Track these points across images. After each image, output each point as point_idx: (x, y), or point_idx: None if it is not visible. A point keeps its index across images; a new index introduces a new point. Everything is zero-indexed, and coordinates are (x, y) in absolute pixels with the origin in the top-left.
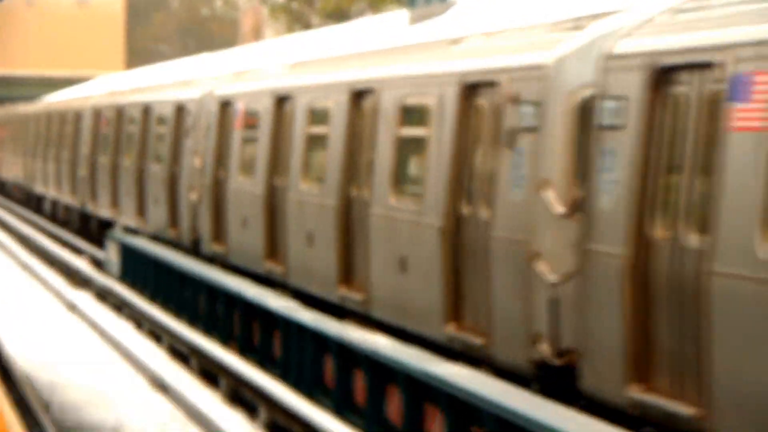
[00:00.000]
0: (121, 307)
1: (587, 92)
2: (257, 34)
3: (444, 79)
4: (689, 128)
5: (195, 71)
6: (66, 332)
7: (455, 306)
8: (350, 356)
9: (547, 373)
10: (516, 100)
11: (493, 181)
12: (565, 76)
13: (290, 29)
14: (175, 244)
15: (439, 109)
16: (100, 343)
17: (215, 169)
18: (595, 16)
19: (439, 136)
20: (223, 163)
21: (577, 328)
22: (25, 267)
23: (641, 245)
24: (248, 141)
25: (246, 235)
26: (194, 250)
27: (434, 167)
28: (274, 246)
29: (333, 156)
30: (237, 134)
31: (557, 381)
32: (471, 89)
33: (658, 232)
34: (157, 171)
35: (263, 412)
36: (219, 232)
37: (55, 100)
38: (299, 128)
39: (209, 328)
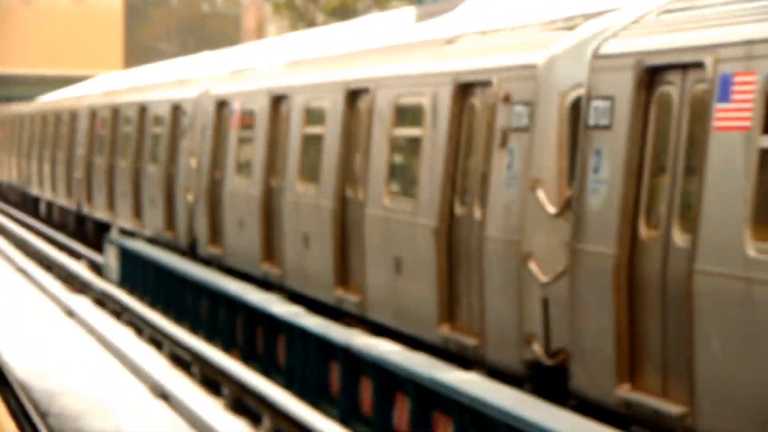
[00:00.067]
0: (120, 312)
1: (578, 92)
2: (260, 32)
3: (438, 79)
4: (676, 128)
5: (192, 70)
6: (64, 339)
7: (450, 307)
8: (356, 363)
9: (540, 374)
10: (508, 100)
11: (486, 181)
12: (557, 75)
13: (294, 27)
14: (172, 247)
15: (433, 109)
16: (99, 350)
17: (212, 170)
18: (589, 16)
19: (434, 136)
20: (219, 164)
21: (568, 328)
22: (22, 271)
23: (631, 245)
24: (244, 141)
25: (243, 237)
26: (191, 252)
27: (428, 168)
28: (270, 248)
29: (329, 157)
30: (233, 134)
31: (549, 381)
32: (465, 89)
33: (647, 231)
34: (153, 172)
35: (267, 421)
36: (216, 234)
37: (50, 99)
38: (295, 128)
39: (211, 334)
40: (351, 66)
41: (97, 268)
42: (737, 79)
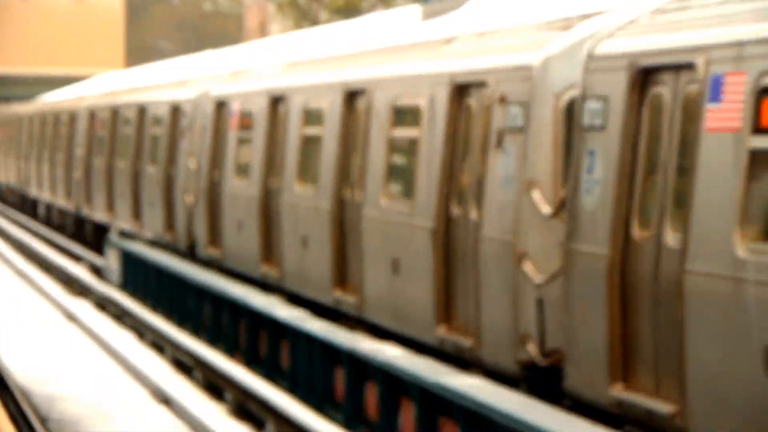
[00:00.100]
0: (121, 316)
1: (573, 93)
2: (263, 31)
3: (435, 80)
4: (669, 129)
5: (192, 70)
6: (65, 343)
7: (446, 308)
8: (361, 368)
9: (535, 374)
10: (503, 101)
11: (482, 181)
12: (552, 76)
13: (298, 26)
14: (171, 249)
15: (430, 110)
16: (100, 354)
17: (211, 171)
18: (584, 17)
19: (430, 137)
20: (218, 165)
21: (563, 328)
22: (21, 274)
23: (624, 245)
24: (243, 142)
25: (241, 239)
26: (191, 254)
27: (425, 169)
28: (269, 249)
29: (327, 158)
30: (232, 135)
31: (544, 381)
32: (461, 90)
33: (640, 232)
34: (152, 173)
35: (271, 427)
36: (215, 235)
37: (49, 100)
38: (294, 129)
39: (214, 339)
40: (349, 67)
41: (97, 271)
42: (728, 80)
